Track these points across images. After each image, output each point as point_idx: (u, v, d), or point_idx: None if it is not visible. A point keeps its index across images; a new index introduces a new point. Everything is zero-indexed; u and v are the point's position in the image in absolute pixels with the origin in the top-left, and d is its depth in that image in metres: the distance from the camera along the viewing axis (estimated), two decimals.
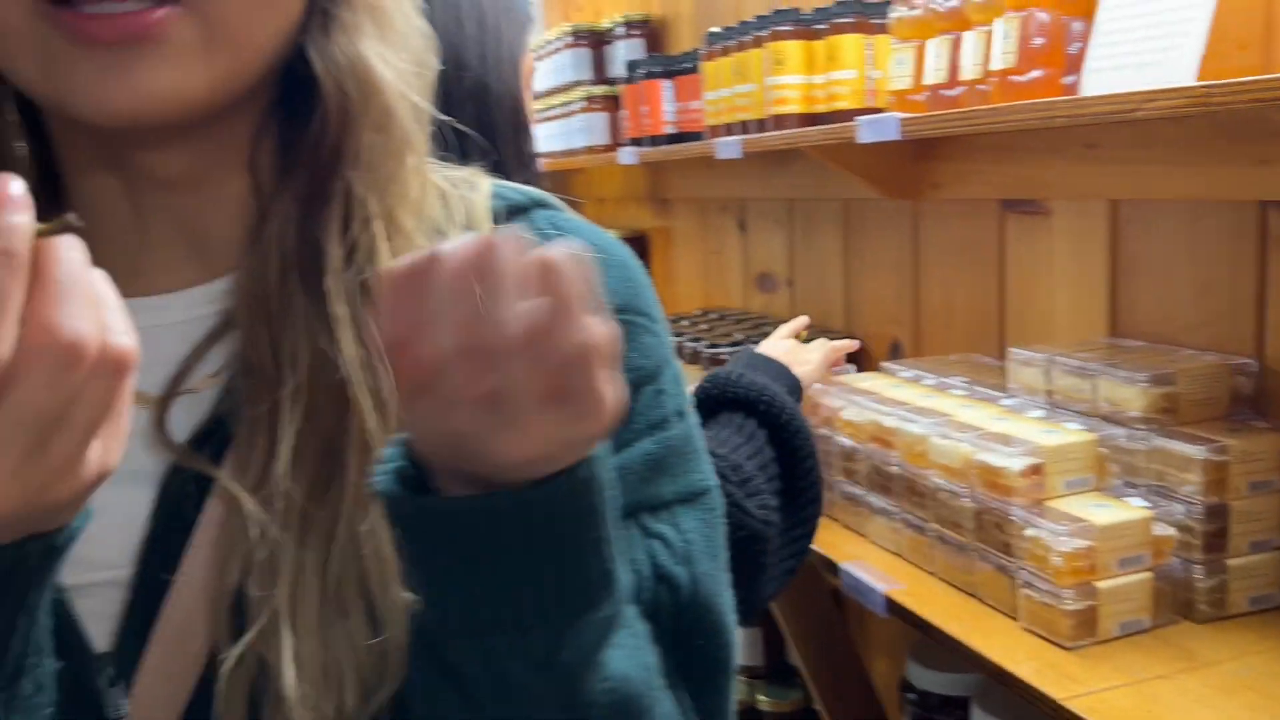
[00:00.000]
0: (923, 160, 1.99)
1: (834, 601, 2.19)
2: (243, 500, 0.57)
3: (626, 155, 2.72)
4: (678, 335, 2.40)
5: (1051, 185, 1.71)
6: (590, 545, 0.51)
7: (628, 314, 0.66)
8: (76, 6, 0.52)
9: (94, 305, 0.42)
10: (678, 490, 0.65)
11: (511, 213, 0.68)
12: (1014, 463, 1.32)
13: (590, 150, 3.12)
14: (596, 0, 3.62)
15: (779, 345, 1.71)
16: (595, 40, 3.22)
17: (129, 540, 0.59)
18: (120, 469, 0.47)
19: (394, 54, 0.62)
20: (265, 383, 0.59)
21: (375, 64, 0.60)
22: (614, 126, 3.11)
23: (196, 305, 0.63)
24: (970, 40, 1.57)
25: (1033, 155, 1.73)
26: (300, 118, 0.61)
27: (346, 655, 0.56)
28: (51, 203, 0.57)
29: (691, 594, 0.63)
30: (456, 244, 0.47)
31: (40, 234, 0.41)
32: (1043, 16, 1.45)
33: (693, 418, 0.69)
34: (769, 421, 1.33)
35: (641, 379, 0.65)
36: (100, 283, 0.43)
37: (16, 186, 0.40)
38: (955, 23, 1.64)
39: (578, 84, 3.19)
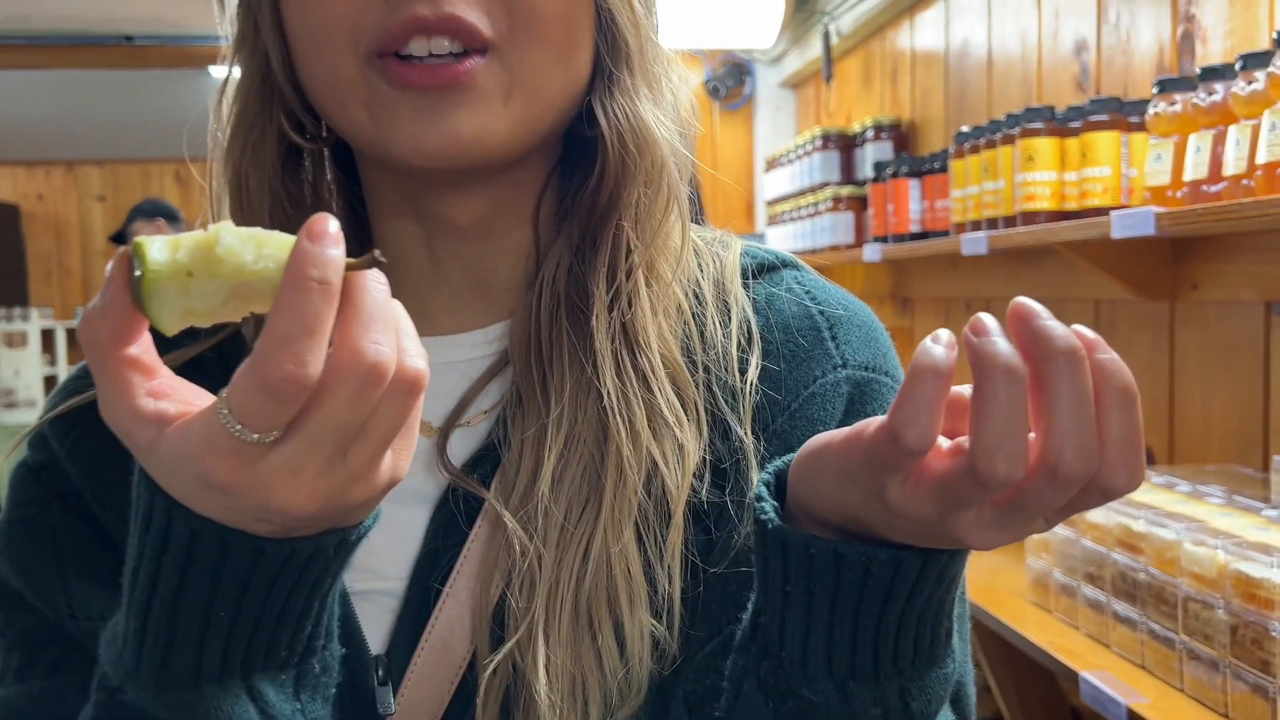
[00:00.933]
0: (1180, 260, 1.91)
1: (1074, 717, 2.06)
2: (505, 518, 0.61)
3: (871, 252, 2.73)
4: None
5: None
6: (948, 605, 0.53)
7: (873, 372, 0.67)
8: (402, 57, 0.59)
9: (394, 332, 0.45)
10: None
11: (761, 270, 0.71)
12: (1276, 574, 1.23)
13: (835, 249, 3.16)
14: (848, 105, 3.69)
15: None
16: (845, 144, 3.29)
17: (406, 554, 0.65)
18: (401, 489, 0.51)
19: (665, 115, 0.67)
20: (533, 412, 0.64)
21: (651, 124, 0.65)
22: (860, 226, 3.14)
23: (477, 346, 0.69)
24: (1234, 134, 1.52)
25: None
26: (579, 172, 0.67)
27: (594, 671, 0.60)
28: (360, 247, 0.64)
29: (961, 669, 0.62)
30: (1065, 341, 0.44)
31: (350, 267, 0.45)
32: None
33: None
34: None
35: None
36: (400, 312, 0.48)
37: (333, 224, 0.45)
38: (1219, 117, 1.58)
39: (826, 185, 3.25)
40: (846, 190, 3.17)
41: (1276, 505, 1.46)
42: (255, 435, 0.44)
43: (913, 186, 2.65)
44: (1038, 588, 1.77)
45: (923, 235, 2.62)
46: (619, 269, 0.65)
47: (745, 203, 4.40)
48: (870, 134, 3.16)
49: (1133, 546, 1.50)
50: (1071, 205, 2.00)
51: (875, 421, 0.47)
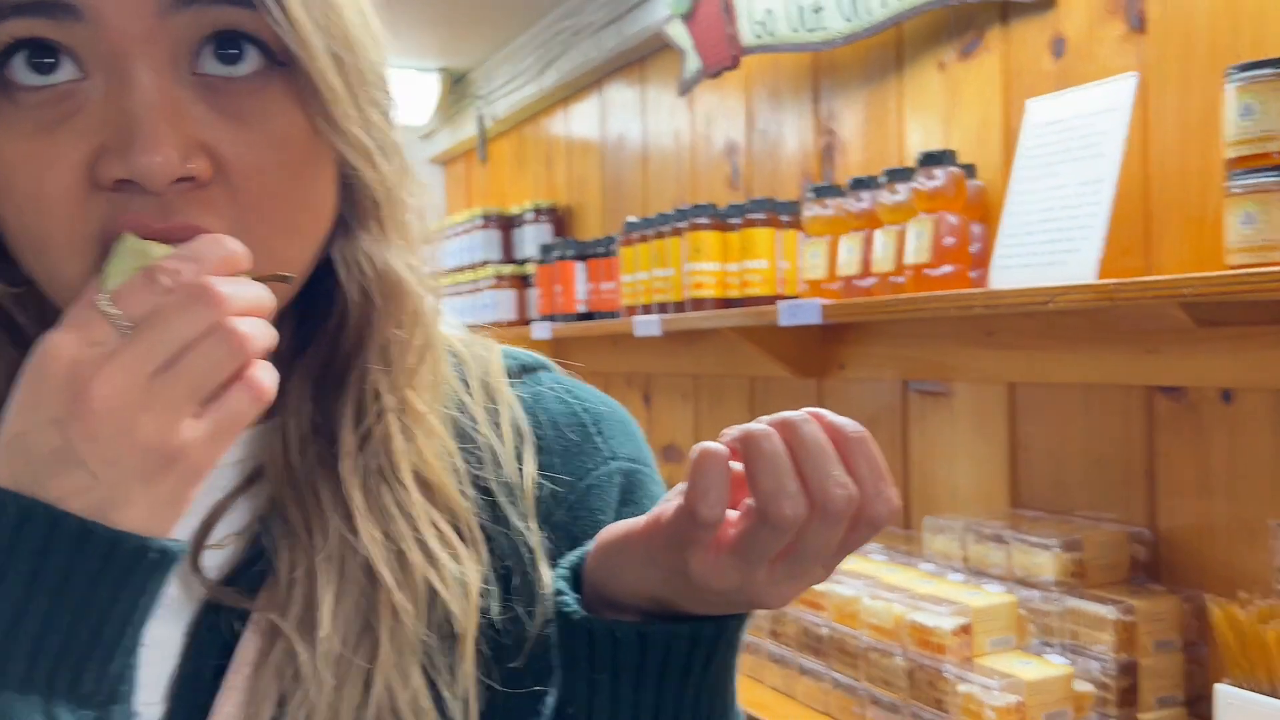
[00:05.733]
0: (830, 343, 2.15)
1: None
2: (291, 636, 0.58)
3: (541, 330, 2.82)
4: None
5: (953, 368, 1.88)
6: (734, 670, 0.59)
7: (638, 464, 0.71)
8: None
9: (257, 311, 0.53)
10: None
11: (522, 370, 0.73)
12: (945, 622, 1.42)
13: (498, 324, 3.22)
14: (501, 186, 3.80)
15: None
16: (505, 223, 3.38)
17: (163, 675, 0.60)
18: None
19: (416, 257, 0.65)
20: (300, 544, 0.61)
21: (403, 273, 0.62)
22: (521, 303, 3.23)
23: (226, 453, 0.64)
24: (882, 238, 1.75)
25: (934, 340, 1.91)
26: (320, 302, 0.64)
27: None
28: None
29: None
30: (799, 415, 0.53)
31: (256, 276, 0.54)
32: (952, 219, 1.64)
33: None
34: None
35: None
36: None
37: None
38: (866, 221, 1.82)
39: (487, 263, 3.32)
40: (508, 269, 3.26)
41: (929, 560, 1.68)
42: (119, 314, 0.50)
43: (578, 269, 2.78)
44: None
45: (589, 315, 2.75)
46: (367, 412, 0.63)
47: None
48: (530, 216, 3.27)
49: (813, 603, 1.66)
50: (734, 293, 2.20)
51: (671, 505, 0.54)
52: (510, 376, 0.71)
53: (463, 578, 0.62)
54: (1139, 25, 1.54)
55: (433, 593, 0.61)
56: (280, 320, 0.63)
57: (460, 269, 3.45)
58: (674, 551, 0.53)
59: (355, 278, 0.62)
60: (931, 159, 1.66)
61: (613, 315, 2.62)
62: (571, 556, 0.60)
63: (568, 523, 0.67)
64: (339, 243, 0.62)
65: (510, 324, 3.20)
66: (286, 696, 0.58)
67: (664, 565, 0.54)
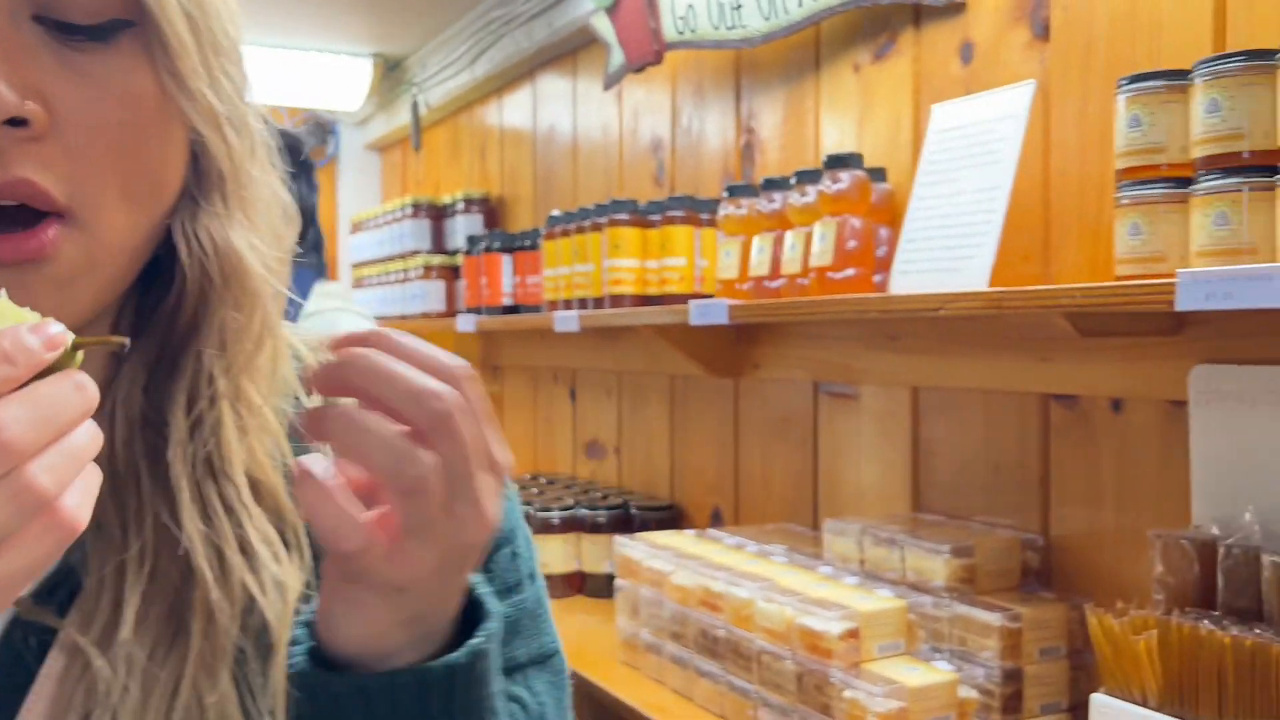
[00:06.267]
0: (744, 343, 2.14)
1: None
2: (89, 653, 0.56)
3: (465, 323, 2.80)
4: (525, 504, 2.44)
5: (859, 371, 1.88)
6: (488, 703, 0.55)
7: None
8: None
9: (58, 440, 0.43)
10: (530, 652, 0.68)
11: None
12: (833, 626, 1.42)
13: (426, 316, 3.19)
14: (436, 174, 3.76)
15: None
16: (436, 213, 3.35)
17: None
18: None
19: (260, 238, 0.63)
20: (112, 542, 0.59)
21: (244, 251, 0.61)
22: (450, 294, 3.20)
23: None
24: (790, 239, 1.75)
25: (843, 343, 1.91)
26: (159, 285, 0.62)
27: None
28: None
29: None
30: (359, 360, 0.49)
31: (81, 345, 0.45)
32: (856, 223, 1.63)
33: (540, 580, 0.72)
34: None
35: (499, 541, 0.68)
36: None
37: (58, 333, 0.44)
38: (777, 222, 1.82)
39: (417, 252, 3.29)
40: (438, 259, 3.23)
41: (829, 563, 1.67)
42: None
43: (505, 261, 2.75)
44: (628, 648, 1.89)
45: (515, 309, 2.73)
46: (200, 396, 0.61)
47: (328, 262, 4.32)
48: (461, 206, 3.24)
49: (713, 605, 1.65)
50: (653, 290, 2.18)
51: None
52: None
53: (282, 584, 0.60)
54: (1042, 33, 1.54)
55: (250, 598, 0.59)
56: (121, 301, 0.62)
57: (389, 259, 3.42)
58: (367, 583, 0.51)
59: (195, 254, 0.60)
60: (837, 161, 1.66)
61: (538, 310, 2.60)
62: (309, 612, 0.57)
63: None
64: (181, 216, 0.60)
65: (440, 315, 3.17)
66: (90, 713, 0.56)
67: (372, 598, 0.51)
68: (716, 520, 2.29)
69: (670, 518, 2.35)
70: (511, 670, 0.67)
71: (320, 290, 1.76)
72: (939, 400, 1.74)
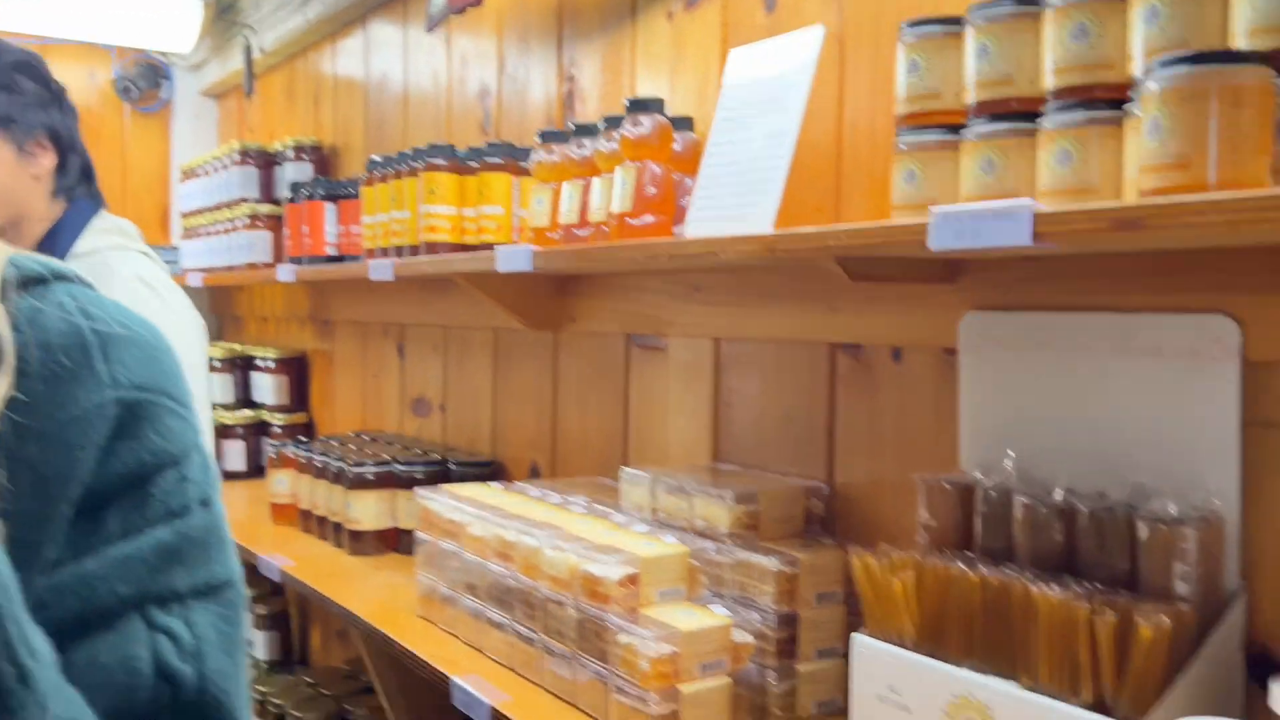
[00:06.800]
0: (561, 295, 2.11)
1: None
2: None
3: (284, 273, 2.70)
4: (339, 460, 2.37)
5: (666, 323, 1.86)
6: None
7: (149, 393, 0.65)
8: None
9: None
10: (194, 583, 0.64)
11: (26, 283, 0.65)
12: (612, 572, 1.40)
13: (253, 266, 3.07)
14: (272, 122, 3.62)
15: None
16: (265, 161, 3.22)
17: None
18: None
19: None
20: None
21: None
22: (278, 245, 3.09)
23: None
24: (598, 186, 1.71)
25: (651, 295, 1.89)
26: None
27: None
28: None
29: (198, 692, 0.61)
30: None
31: None
32: (656, 169, 1.61)
33: (219, 507, 0.68)
34: None
35: (163, 462, 0.64)
36: None
37: None
38: (588, 169, 1.78)
39: (244, 201, 3.16)
40: (265, 208, 3.11)
41: (625, 511, 1.66)
42: None
43: (329, 210, 2.66)
44: (426, 602, 1.84)
45: (340, 259, 2.64)
46: None
47: (160, 212, 4.13)
48: (291, 154, 3.12)
49: (507, 556, 1.62)
50: (470, 239, 2.13)
51: None
52: (13, 287, 0.63)
53: None
54: None
55: None
56: None
57: (217, 207, 3.28)
58: None
59: None
60: (639, 106, 1.63)
61: (359, 259, 2.52)
62: None
63: (37, 460, 0.59)
64: None
65: (266, 266, 3.05)
66: None
67: None
68: (535, 475, 2.26)
69: (490, 474, 2.31)
70: (168, 601, 0.63)
71: (98, 227, 1.65)
72: (739, 352, 1.74)
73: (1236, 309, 1.07)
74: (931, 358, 1.42)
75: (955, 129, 1.24)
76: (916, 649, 1.18)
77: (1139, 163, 0.97)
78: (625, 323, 1.97)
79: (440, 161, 2.13)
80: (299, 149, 3.11)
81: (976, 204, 1.05)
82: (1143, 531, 1.05)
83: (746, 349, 1.72)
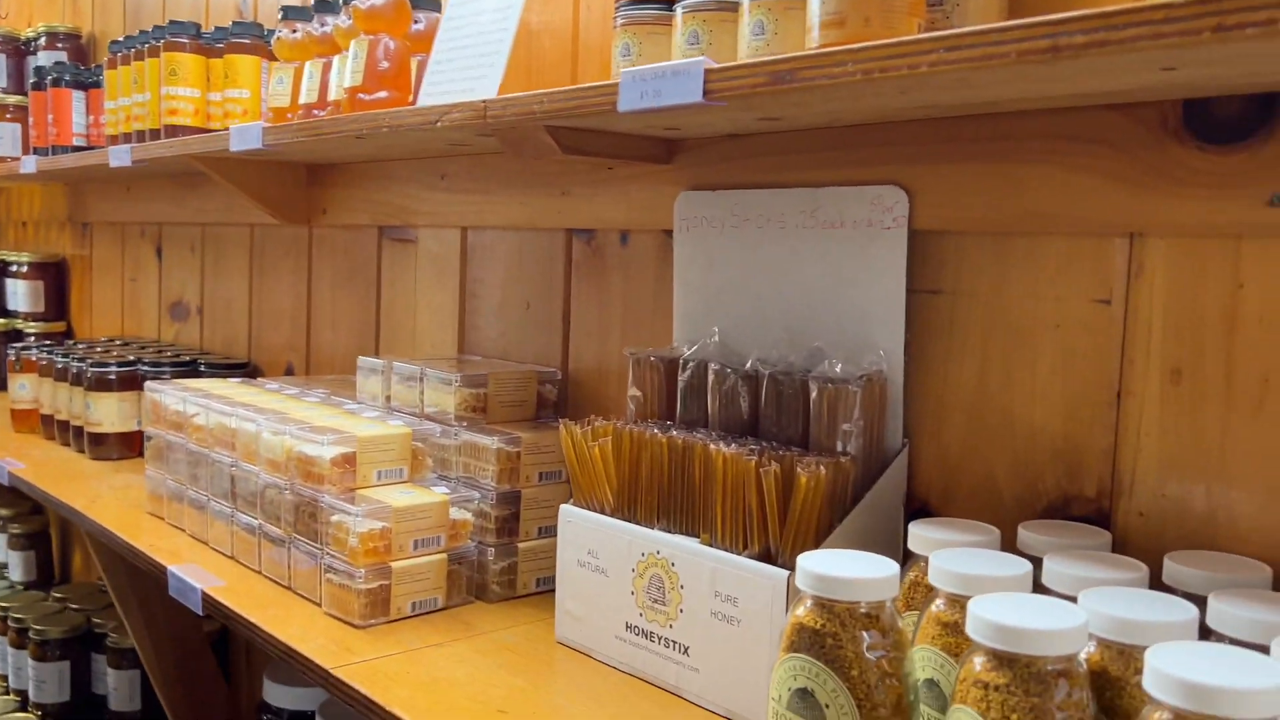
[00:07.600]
0: (313, 186, 2.04)
1: (203, 632, 2.11)
2: None
3: (28, 164, 2.51)
4: (80, 361, 2.24)
5: (416, 213, 1.82)
6: None
7: None
8: None
9: None
10: None
11: None
12: (326, 451, 1.36)
13: (2, 160, 2.86)
14: (29, 10, 3.36)
15: None
16: (15, 49, 2.98)
17: None
18: None
19: None
20: None
21: None
22: (29, 139, 2.87)
23: None
24: (337, 64, 1.65)
25: (400, 184, 1.84)
26: None
27: None
28: None
29: None
30: None
31: None
32: (390, 43, 1.55)
33: None
34: None
35: None
36: None
37: None
38: (329, 48, 1.71)
39: None
40: (13, 99, 2.88)
41: (360, 402, 1.62)
42: None
43: (76, 98, 2.49)
44: (154, 499, 1.77)
45: (86, 150, 2.48)
46: None
47: None
48: (43, 41, 2.90)
49: (230, 445, 1.57)
50: (216, 125, 2.03)
51: None
52: None
53: None
54: None
55: None
56: None
57: None
58: None
59: None
60: None
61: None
62: None
63: None
64: None
65: (14, 160, 2.84)
66: None
67: None
68: (289, 374, 2.19)
69: (243, 376, 2.22)
70: None
71: None
72: (484, 241, 1.71)
73: (906, 179, 1.11)
74: (654, 240, 1.43)
75: (670, 4, 1.24)
76: (616, 514, 1.20)
77: (805, 24, 0.98)
78: (376, 214, 1.91)
79: (183, 40, 2.02)
80: (52, 35, 2.90)
81: (658, 64, 1.05)
82: (814, 392, 1.09)
83: (490, 238, 1.70)
